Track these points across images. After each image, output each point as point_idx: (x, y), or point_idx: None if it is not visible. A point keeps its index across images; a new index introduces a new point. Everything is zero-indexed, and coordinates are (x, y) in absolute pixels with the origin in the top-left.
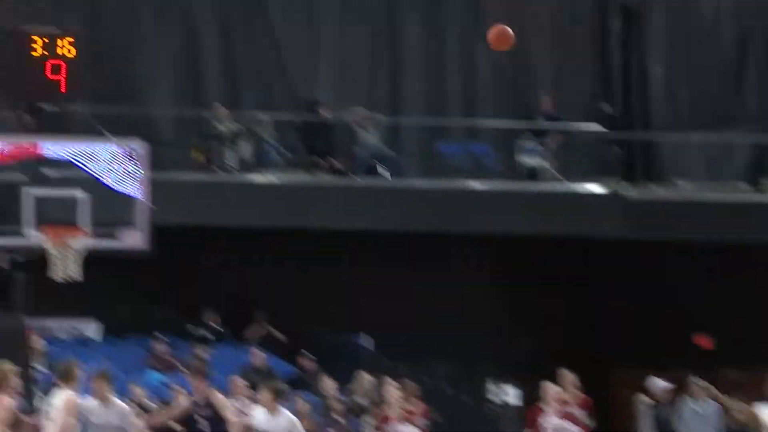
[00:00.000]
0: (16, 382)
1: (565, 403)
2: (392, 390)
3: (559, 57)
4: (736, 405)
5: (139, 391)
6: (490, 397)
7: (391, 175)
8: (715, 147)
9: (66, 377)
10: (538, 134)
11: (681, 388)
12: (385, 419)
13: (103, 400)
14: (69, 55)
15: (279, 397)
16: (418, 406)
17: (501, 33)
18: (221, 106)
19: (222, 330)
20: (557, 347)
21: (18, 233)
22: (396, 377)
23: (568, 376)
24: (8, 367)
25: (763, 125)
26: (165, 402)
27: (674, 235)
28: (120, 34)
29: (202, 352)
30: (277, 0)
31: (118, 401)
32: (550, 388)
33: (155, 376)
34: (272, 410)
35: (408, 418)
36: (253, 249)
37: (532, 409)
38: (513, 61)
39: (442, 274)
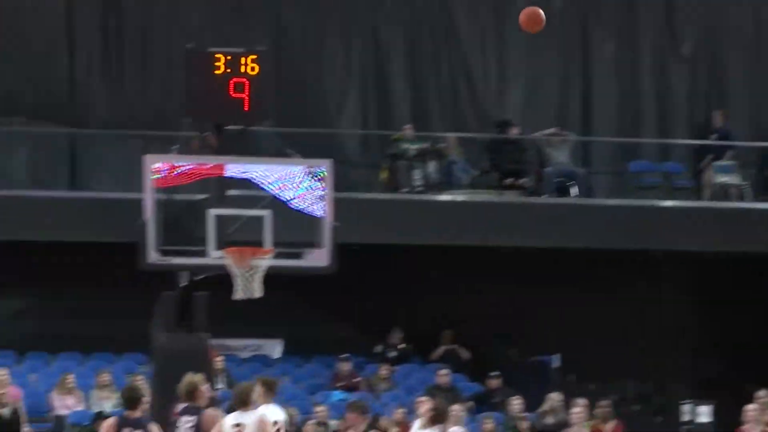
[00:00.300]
0: (207, 391)
1: (766, 424)
2: (577, 410)
3: (753, 72)
4: None
5: (321, 410)
6: (683, 416)
7: (581, 193)
8: None
9: (241, 401)
10: (723, 151)
11: None
12: None
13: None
14: (252, 73)
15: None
16: (611, 426)
17: (532, 14)
18: (410, 126)
19: (407, 349)
20: (749, 366)
21: (201, 253)
22: (585, 397)
23: (765, 397)
24: (198, 377)
25: None
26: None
27: None
28: (306, 53)
29: (385, 371)
30: (465, 20)
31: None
32: (750, 409)
33: (338, 396)
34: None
35: None
36: (439, 268)
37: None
38: (707, 78)
39: (631, 293)
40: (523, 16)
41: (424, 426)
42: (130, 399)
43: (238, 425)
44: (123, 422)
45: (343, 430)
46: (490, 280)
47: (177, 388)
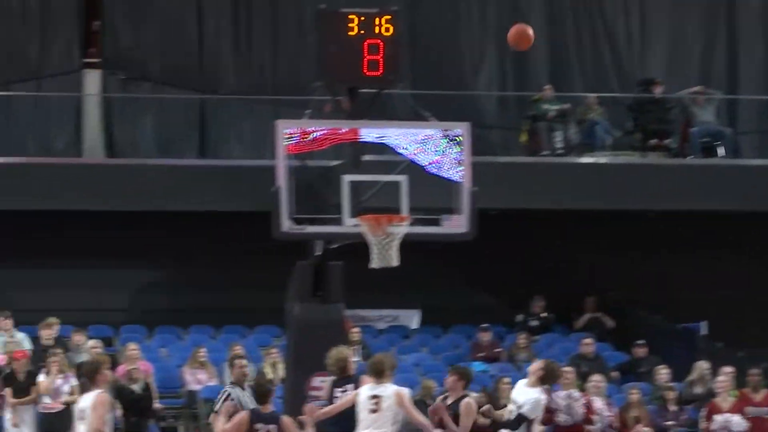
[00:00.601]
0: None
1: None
2: (723, 379)
3: None
4: None
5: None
6: None
7: (728, 154)
8: None
9: (377, 373)
10: None
11: None
12: (715, 409)
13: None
14: (386, 34)
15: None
16: (761, 395)
17: (521, 33)
18: (550, 86)
19: (550, 317)
20: None
21: (336, 221)
22: (734, 365)
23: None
24: (348, 350)
25: None
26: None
27: None
28: (441, 13)
29: (525, 340)
30: None
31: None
32: (721, 380)
33: (479, 367)
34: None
35: (738, 408)
36: (582, 233)
37: None
38: None
39: None
40: (512, 35)
41: (533, 385)
42: (262, 393)
43: (375, 397)
44: (256, 417)
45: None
46: (635, 245)
47: (326, 361)
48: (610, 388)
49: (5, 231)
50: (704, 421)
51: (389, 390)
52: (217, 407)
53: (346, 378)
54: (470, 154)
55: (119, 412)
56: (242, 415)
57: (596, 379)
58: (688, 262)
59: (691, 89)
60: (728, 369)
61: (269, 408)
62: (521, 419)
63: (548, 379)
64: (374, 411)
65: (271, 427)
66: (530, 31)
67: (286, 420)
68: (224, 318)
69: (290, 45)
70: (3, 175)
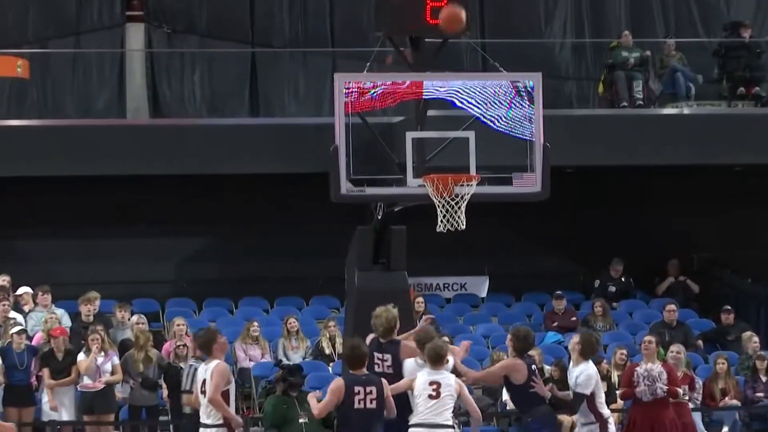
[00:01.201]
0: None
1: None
2: None
3: None
4: None
5: (534, 354)
6: None
7: None
8: None
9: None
10: None
11: None
12: None
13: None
14: None
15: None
16: None
17: (452, 15)
18: (628, 32)
19: (629, 282)
20: None
21: (399, 182)
22: None
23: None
24: (396, 312)
25: None
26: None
27: None
28: None
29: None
30: None
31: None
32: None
33: (553, 337)
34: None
35: None
36: (664, 190)
37: None
38: None
39: None
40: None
41: (577, 361)
42: (357, 357)
43: (433, 383)
44: (352, 381)
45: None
46: (722, 202)
47: (373, 320)
48: (696, 358)
49: (43, 199)
50: None
51: (449, 378)
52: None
53: (390, 342)
54: (543, 107)
55: (165, 392)
56: (337, 383)
57: (675, 350)
58: None
59: None
60: None
61: (363, 371)
62: (578, 398)
63: (589, 352)
64: (433, 397)
65: (370, 388)
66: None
67: (384, 381)
68: (278, 289)
69: None
70: (41, 138)
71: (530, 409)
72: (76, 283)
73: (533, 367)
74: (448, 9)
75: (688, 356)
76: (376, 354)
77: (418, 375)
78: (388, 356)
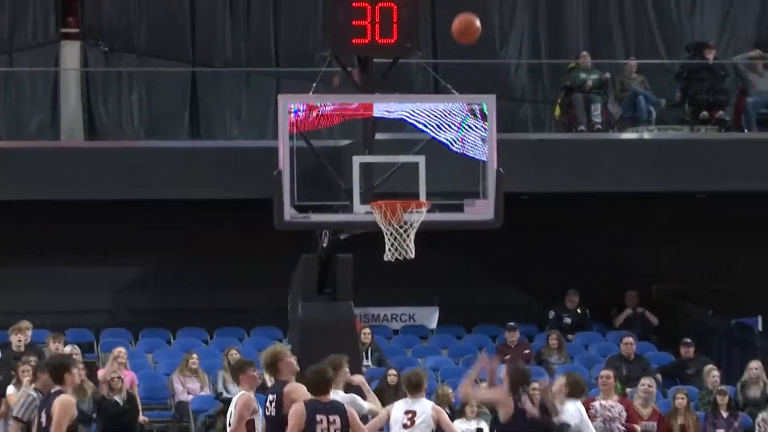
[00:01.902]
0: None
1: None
2: None
3: None
4: None
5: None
6: None
7: None
8: None
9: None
10: None
11: None
12: None
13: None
14: None
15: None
16: None
17: (466, 25)
18: (587, 53)
19: (586, 314)
20: None
21: (345, 208)
22: None
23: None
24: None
25: None
26: None
27: None
28: None
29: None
30: None
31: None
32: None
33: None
34: None
35: None
36: (623, 219)
37: None
38: None
39: None
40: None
41: (562, 402)
42: (320, 382)
43: (408, 412)
44: (314, 408)
45: None
46: (683, 231)
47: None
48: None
49: None
50: None
51: (426, 406)
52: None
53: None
54: (497, 130)
55: (100, 427)
56: (297, 408)
57: (647, 383)
58: (743, 250)
59: (748, 54)
60: None
61: (328, 398)
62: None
63: (577, 392)
64: (408, 426)
65: (333, 417)
66: (477, 23)
67: (351, 410)
68: (218, 320)
69: (294, 10)
70: None
71: None
72: (7, 312)
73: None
74: (462, 19)
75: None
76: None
77: (395, 405)
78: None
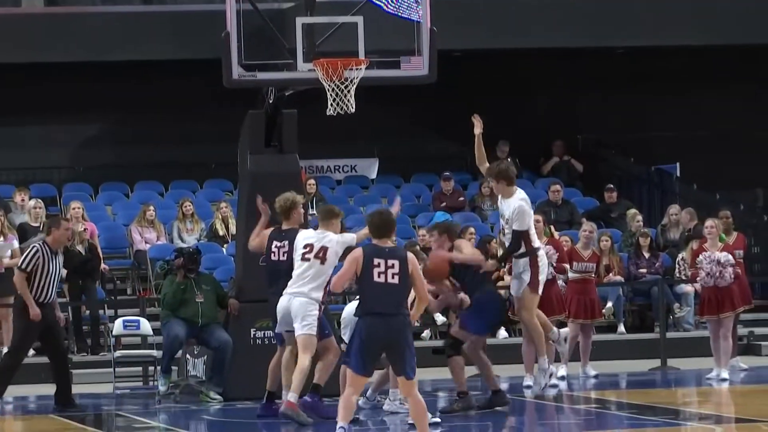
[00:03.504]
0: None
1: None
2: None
3: None
4: None
5: (424, 234)
6: None
7: None
8: None
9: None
10: None
11: None
12: (700, 250)
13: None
14: None
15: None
16: (732, 238)
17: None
18: None
19: (516, 163)
20: None
21: (289, 66)
22: (708, 207)
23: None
24: (298, 196)
25: None
26: None
27: None
28: None
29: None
30: None
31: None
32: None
33: (441, 217)
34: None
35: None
36: (549, 72)
37: None
38: None
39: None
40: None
41: (505, 194)
42: (383, 226)
43: (308, 246)
44: (373, 252)
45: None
46: (605, 83)
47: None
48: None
49: None
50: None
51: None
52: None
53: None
54: None
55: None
56: (356, 252)
57: (588, 229)
58: (661, 100)
59: None
60: (723, 213)
61: (388, 243)
62: (515, 236)
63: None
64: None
65: (392, 261)
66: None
67: (412, 258)
68: (173, 173)
69: None
70: None
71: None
72: None
73: None
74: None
75: (570, 234)
76: (274, 241)
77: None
78: (285, 242)
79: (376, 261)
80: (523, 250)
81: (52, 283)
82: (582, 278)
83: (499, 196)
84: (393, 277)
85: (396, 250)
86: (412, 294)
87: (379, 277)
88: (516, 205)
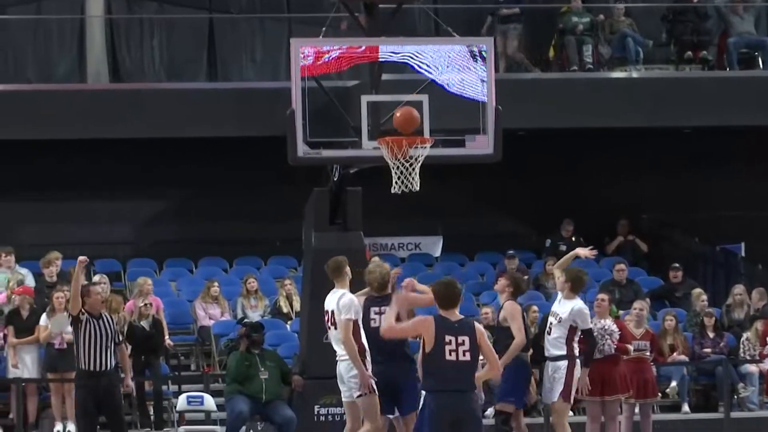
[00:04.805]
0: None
1: None
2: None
3: None
4: None
5: (487, 312)
6: None
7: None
8: None
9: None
10: None
11: None
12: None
13: None
14: None
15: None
16: None
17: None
18: None
19: (581, 242)
20: None
21: (354, 144)
22: None
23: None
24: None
25: None
26: None
27: None
28: None
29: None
30: None
31: None
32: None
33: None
34: None
35: None
36: (613, 152)
37: None
38: None
39: None
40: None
41: (568, 298)
42: (450, 296)
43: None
44: (443, 326)
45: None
46: (670, 163)
47: (367, 276)
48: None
49: (6, 162)
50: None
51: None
52: None
53: (385, 296)
54: (495, 70)
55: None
56: (427, 319)
57: (639, 307)
58: (726, 180)
59: None
60: None
61: (455, 314)
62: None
63: (579, 287)
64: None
65: (463, 338)
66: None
67: (480, 329)
68: (237, 250)
69: None
70: (3, 103)
71: None
72: (38, 244)
73: None
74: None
75: None
76: (372, 308)
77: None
78: (385, 306)
79: (447, 338)
80: (563, 352)
81: (102, 350)
82: (636, 357)
83: (559, 296)
84: (464, 354)
85: (464, 325)
86: None
87: (450, 355)
88: (579, 306)
